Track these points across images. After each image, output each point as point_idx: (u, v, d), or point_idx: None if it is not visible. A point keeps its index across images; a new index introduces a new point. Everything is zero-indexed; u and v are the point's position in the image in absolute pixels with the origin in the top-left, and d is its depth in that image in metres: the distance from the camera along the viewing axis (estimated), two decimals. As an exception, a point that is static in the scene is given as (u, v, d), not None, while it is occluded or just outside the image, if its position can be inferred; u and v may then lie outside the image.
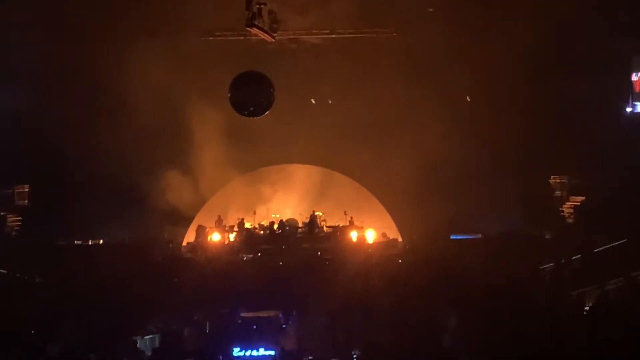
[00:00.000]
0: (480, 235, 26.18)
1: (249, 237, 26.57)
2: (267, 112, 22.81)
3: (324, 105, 28.49)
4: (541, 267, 20.98)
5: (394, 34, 26.81)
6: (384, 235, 27.18)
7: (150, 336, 16.83)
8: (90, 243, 26.63)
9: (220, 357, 14.60)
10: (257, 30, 21.77)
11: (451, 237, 25.96)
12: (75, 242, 26.43)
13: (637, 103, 25.67)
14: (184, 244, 27.74)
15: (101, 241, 26.89)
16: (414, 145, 25.82)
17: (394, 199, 28.19)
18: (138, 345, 15.72)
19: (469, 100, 27.29)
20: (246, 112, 22.59)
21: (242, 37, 25.53)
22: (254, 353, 15.28)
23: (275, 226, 27.10)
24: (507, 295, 16.11)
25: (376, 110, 26.98)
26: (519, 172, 26.31)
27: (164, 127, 26.12)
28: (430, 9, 25.72)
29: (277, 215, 28.06)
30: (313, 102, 28.45)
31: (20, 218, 26.07)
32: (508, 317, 14.27)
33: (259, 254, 24.86)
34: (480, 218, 26.53)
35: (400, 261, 23.49)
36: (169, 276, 20.35)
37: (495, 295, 16.14)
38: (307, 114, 28.11)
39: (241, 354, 15.26)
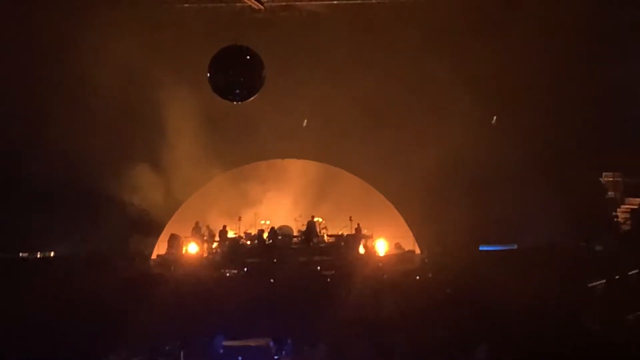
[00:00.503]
0: (515, 246, 25.94)
1: (233, 249, 26.43)
2: (255, 96, 22.65)
3: (325, 89, 28.32)
4: (590, 285, 20.81)
5: (409, -1, 26.77)
6: (397, 246, 26.98)
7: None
8: (36, 256, 26.18)
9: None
10: (243, -6, 21.69)
11: (480, 248, 25.82)
12: (18, 255, 25.97)
13: None
14: (153, 256, 27.46)
15: (52, 253, 26.59)
16: (434, 136, 25.73)
17: (410, 201, 28.04)
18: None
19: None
20: (230, 96, 22.28)
21: (224, 4, 25.43)
22: (239, 390, 15.30)
23: (265, 235, 26.96)
24: (549, 320, 16.09)
25: (388, 94, 26.78)
26: (562, 169, 26.12)
27: (130, 114, 25.95)
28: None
29: (268, 222, 27.93)
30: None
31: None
32: (552, 347, 14.22)
33: (245, 270, 24.63)
34: (515, 225, 26.27)
35: (417, 278, 23.46)
36: (134, 297, 20.20)
37: (535, 321, 16.12)
38: (304, 98, 27.67)
39: (223, 391, 15.30)
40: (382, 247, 27.04)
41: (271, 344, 17.85)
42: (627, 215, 26.15)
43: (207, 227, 27.63)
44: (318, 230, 27.37)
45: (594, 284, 20.86)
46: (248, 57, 21.72)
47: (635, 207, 25.85)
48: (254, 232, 27.31)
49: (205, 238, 27.33)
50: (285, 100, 26.99)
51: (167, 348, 17.67)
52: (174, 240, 26.90)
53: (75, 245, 25.89)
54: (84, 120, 24.64)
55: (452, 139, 24.95)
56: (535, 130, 25.00)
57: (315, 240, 27.05)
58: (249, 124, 27.06)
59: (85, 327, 17.55)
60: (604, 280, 20.82)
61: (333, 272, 23.85)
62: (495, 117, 27.39)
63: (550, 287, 19.40)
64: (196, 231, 27.44)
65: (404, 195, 28.27)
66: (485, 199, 25.96)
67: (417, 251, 27.76)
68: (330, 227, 27.69)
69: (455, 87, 25.32)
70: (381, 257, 26.55)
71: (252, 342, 17.45)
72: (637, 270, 20.96)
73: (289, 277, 22.78)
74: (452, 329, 17.38)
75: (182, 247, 26.94)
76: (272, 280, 22.88)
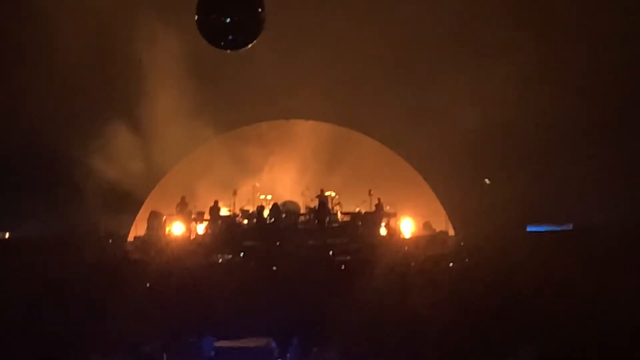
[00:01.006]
0: (571, 226, 25.86)
1: (227, 229, 26.43)
2: (253, 43, 22.45)
3: (340, 33, 27.99)
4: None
5: None
6: (427, 226, 27.05)
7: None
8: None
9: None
10: None
11: (528, 228, 25.83)
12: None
13: None
14: (130, 238, 27.47)
15: (6, 235, 26.66)
16: (473, 92, 25.37)
17: (443, 172, 28.05)
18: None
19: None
20: (223, 43, 22.11)
21: None
22: (234, 401, 15.35)
23: (266, 212, 26.94)
24: (611, 315, 16.02)
25: (415, 38, 26.38)
26: (629, 135, 25.77)
27: (104, 63, 25.50)
28: None
29: (269, 197, 27.99)
30: None
31: None
32: (615, 343, 14.21)
33: (242, 254, 24.66)
34: (570, 202, 26.17)
35: (451, 265, 23.46)
36: (106, 288, 20.21)
37: (594, 315, 16.06)
38: (314, 45, 27.35)
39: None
40: (408, 227, 27.06)
41: (273, 345, 17.88)
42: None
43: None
44: (330, 206, 27.30)
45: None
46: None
47: None
48: (252, 209, 27.33)
49: (192, 216, 27.31)
50: (291, 48, 26.59)
51: (146, 350, 17.68)
52: (155, 218, 26.84)
53: (35, 225, 25.68)
54: (47, 71, 24.35)
55: (495, 96, 24.54)
56: (599, 88, 24.72)
57: (326, 219, 26.93)
58: (246, 77, 26.65)
59: (47, 324, 17.54)
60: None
61: (348, 258, 23.83)
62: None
63: (611, 275, 19.48)
64: (182, 208, 27.38)
65: (434, 165, 28.24)
66: (535, 170, 25.88)
67: (451, 232, 27.75)
68: (345, 203, 27.64)
69: (501, 32, 25.00)
70: (407, 239, 26.54)
71: (250, 343, 17.49)
72: None
73: (295, 264, 22.92)
74: (494, 326, 17.35)
75: (164, 227, 26.94)
76: (274, 268, 22.98)
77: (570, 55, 25.12)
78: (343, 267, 23.05)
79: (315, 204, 27.20)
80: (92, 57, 24.91)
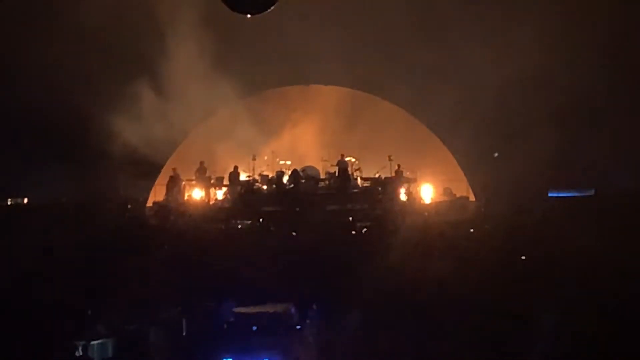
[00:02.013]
0: (592, 192, 25.66)
1: (246, 195, 26.41)
2: (273, 7, 22.30)
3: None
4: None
5: None
6: (447, 191, 26.94)
7: (100, 341, 16.90)
8: (8, 203, 26.22)
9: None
10: None
11: (549, 194, 25.66)
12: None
13: None
14: (149, 204, 27.63)
15: (25, 200, 26.47)
16: (494, 52, 25.13)
17: (463, 136, 27.50)
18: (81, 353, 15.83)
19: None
20: (241, 7, 22.09)
21: None
22: (254, 366, 15.36)
23: (286, 178, 26.94)
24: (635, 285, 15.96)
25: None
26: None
27: (122, 21, 25.03)
28: None
29: (288, 163, 28.13)
30: None
31: None
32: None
33: (261, 220, 24.68)
34: (594, 166, 25.95)
35: (472, 230, 23.30)
36: (125, 252, 20.18)
37: (615, 282, 15.99)
38: (335, 6, 27.24)
39: (234, 367, 15.36)
40: (428, 193, 27.16)
41: (292, 310, 17.84)
42: None
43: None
44: (350, 172, 27.35)
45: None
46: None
47: None
48: (271, 174, 27.38)
49: (212, 182, 27.35)
50: (312, 11, 26.33)
51: (164, 315, 17.68)
52: (174, 183, 26.94)
53: (54, 190, 25.68)
54: (63, 30, 24.33)
55: (517, 57, 24.46)
56: (621, 49, 24.48)
57: (347, 184, 26.96)
58: (266, 42, 26.76)
59: (66, 288, 17.53)
60: None
61: (368, 223, 23.82)
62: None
63: (636, 243, 19.32)
64: (201, 173, 27.42)
65: (454, 128, 27.78)
66: (558, 133, 25.15)
67: (472, 198, 27.77)
68: (365, 169, 27.71)
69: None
70: (427, 205, 26.55)
71: (269, 309, 17.45)
72: None
73: (315, 229, 22.85)
74: (515, 294, 17.25)
75: (183, 193, 27.06)
76: (294, 234, 22.99)
77: (594, 14, 24.84)
78: (363, 232, 23.08)
79: (335, 169, 27.16)
80: (112, 17, 24.81)
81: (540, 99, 25.77)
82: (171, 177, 27.15)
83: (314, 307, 18.23)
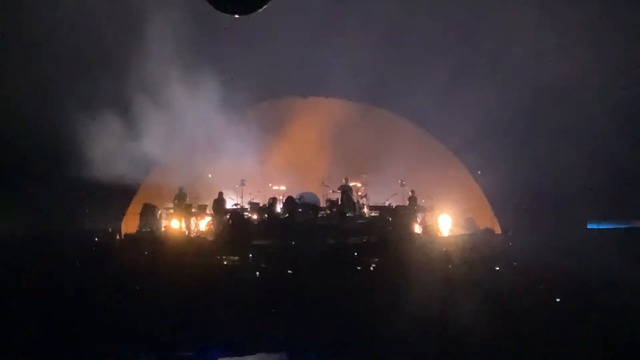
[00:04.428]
0: (639, 224, 25.43)
1: (233, 225, 26.20)
2: (265, 6, 22.25)
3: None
4: None
5: None
6: (469, 222, 26.98)
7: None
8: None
9: None
10: None
11: (589, 226, 25.55)
12: None
13: None
14: (120, 235, 27.15)
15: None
16: (528, 60, 25.17)
17: (486, 160, 27.80)
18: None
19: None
20: (228, 6, 22.09)
21: None
22: None
23: (279, 206, 26.96)
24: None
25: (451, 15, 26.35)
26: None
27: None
28: None
29: (282, 188, 28.06)
30: None
31: None
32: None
33: (250, 256, 24.27)
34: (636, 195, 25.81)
35: (498, 269, 22.99)
36: (91, 290, 19.83)
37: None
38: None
39: None
40: (447, 223, 26.90)
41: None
42: None
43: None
44: (355, 199, 27.18)
45: None
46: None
47: None
48: (262, 201, 27.31)
49: (193, 210, 27.28)
50: (310, 11, 26.16)
51: (132, 365, 17.63)
52: (149, 212, 26.96)
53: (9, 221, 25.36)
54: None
55: (540, 76, 25.10)
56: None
57: (351, 213, 26.71)
58: (258, 47, 26.56)
59: (22, 332, 17.42)
60: None
61: (376, 260, 23.33)
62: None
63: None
64: (180, 200, 27.51)
65: (476, 152, 28.06)
66: (599, 154, 25.51)
67: (497, 230, 27.39)
68: (373, 195, 27.63)
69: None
70: (445, 237, 26.21)
71: (259, 359, 17.15)
72: None
73: (313, 266, 22.34)
74: (550, 344, 17.04)
75: (160, 222, 27.04)
76: (289, 272, 22.46)
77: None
78: (371, 269, 22.77)
79: (337, 196, 26.94)
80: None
81: (578, 114, 25.60)
82: (145, 204, 27.15)
83: (312, 356, 18.19)
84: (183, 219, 27.15)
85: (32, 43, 24.85)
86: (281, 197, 27.50)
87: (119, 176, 26.38)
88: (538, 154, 26.39)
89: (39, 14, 24.00)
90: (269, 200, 27.10)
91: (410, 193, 26.92)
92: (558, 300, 20.02)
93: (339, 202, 27.12)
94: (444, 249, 24.48)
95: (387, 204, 27.21)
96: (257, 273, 22.87)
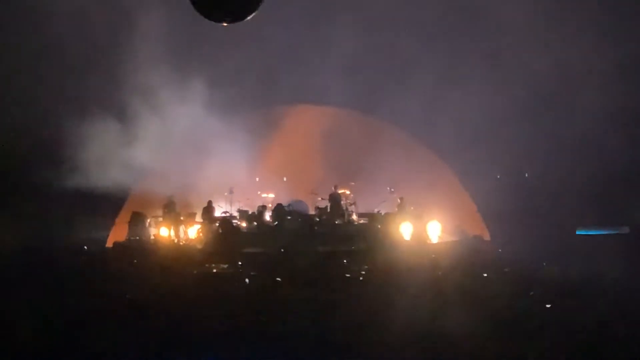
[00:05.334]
0: (627, 230, 25.69)
1: (222, 234, 26.23)
2: (255, 13, 22.27)
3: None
4: None
5: None
6: (459, 229, 27.05)
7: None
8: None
9: None
10: None
11: (577, 232, 25.61)
12: None
13: None
14: (109, 244, 27.37)
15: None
16: (518, 66, 25.25)
17: (475, 166, 27.80)
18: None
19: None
20: (218, 14, 22.08)
21: None
22: None
23: (268, 214, 26.81)
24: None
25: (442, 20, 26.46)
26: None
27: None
28: None
29: (271, 196, 28.05)
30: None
31: None
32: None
33: (239, 264, 24.36)
34: (625, 202, 25.76)
35: (486, 275, 23.00)
36: (79, 299, 19.77)
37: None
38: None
39: None
40: (435, 230, 26.79)
41: (280, 370, 17.67)
42: None
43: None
44: (344, 206, 27.09)
45: None
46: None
47: None
48: (251, 209, 27.21)
49: (182, 218, 27.22)
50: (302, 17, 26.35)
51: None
52: (138, 220, 26.91)
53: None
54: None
55: (528, 80, 25.14)
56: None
57: (339, 221, 26.72)
58: (249, 51, 26.57)
59: (10, 338, 17.35)
60: None
61: (366, 267, 23.42)
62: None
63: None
64: (169, 208, 27.35)
65: (466, 159, 28.08)
66: (588, 162, 25.41)
67: (487, 237, 27.48)
68: (362, 202, 27.52)
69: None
70: (434, 245, 26.24)
71: (252, 368, 17.21)
72: None
73: (303, 274, 22.28)
74: (540, 350, 17.01)
75: (149, 231, 26.98)
76: (278, 280, 22.44)
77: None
78: (361, 278, 22.68)
79: (326, 203, 26.93)
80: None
81: (568, 117, 25.65)
82: (134, 213, 27.04)
83: None
84: (172, 227, 26.93)
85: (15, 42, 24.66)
86: (270, 205, 27.21)
87: (107, 185, 26.24)
88: (527, 161, 26.37)
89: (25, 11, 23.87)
90: (258, 208, 26.95)
91: (399, 200, 26.71)
92: (548, 306, 19.98)
93: (328, 210, 26.95)
94: (433, 256, 24.55)
95: (376, 211, 27.01)
96: (247, 280, 22.74)
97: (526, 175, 27.94)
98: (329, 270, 23.09)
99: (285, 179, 28.65)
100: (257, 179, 28.37)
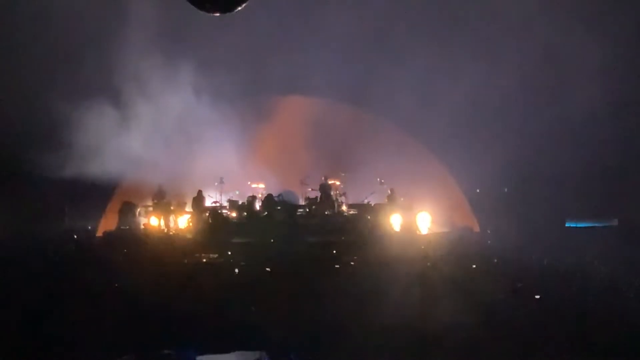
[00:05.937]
0: (616, 222, 25.77)
1: (212, 223, 26.19)
2: (244, 4, 22.22)
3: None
4: None
5: None
6: (449, 221, 26.90)
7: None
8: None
9: None
10: None
11: (567, 224, 25.63)
12: None
13: None
14: (99, 234, 27.33)
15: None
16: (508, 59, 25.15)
17: (466, 158, 27.75)
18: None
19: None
20: (209, 5, 22.05)
21: None
22: None
23: (258, 204, 26.71)
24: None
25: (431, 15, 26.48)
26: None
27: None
28: None
29: (261, 186, 27.79)
30: None
31: None
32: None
33: (229, 253, 24.27)
34: (614, 195, 26.18)
35: (474, 267, 23.08)
36: (70, 288, 19.96)
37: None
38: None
39: None
40: (425, 221, 26.60)
41: (267, 359, 17.69)
42: None
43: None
44: (334, 197, 26.98)
45: None
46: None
47: None
48: (241, 200, 27.10)
49: (172, 208, 27.10)
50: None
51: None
52: (128, 209, 26.78)
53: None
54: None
55: (523, 72, 24.97)
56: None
57: (329, 211, 26.66)
58: (240, 46, 26.66)
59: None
60: None
61: (355, 257, 23.32)
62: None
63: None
64: (159, 197, 27.24)
65: (456, 151, 28.09)
66: (580, 154, 25.57)
67: (476, 229, 27.52)
68: (352, 193, 27.41)
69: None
70: (424, 236, 26.09)
71: (238, 358, 17.21)
72: None
73: (292, 264, 22.36)
74: (528, 342, 17.12)
75: (139, 220, 26.90)
76: (267, 270, 22.45)
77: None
78: (349, 267, 22.67)
79: (316, 194, 26.94)
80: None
81: (560, 112, 25.71)
82: (124, 202, 26.94)
83: (291, 356, 18.08)
84: (162, 217, 26.75)
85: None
86: (260, 195, 27.01)
87: (97, 174, 26.23)
88: (517, 153, 26.34)
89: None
90: (248, 198, 26.73)
91: (389, 191, 26.57)
92: (537, 297, 20.04)
93: (318, 201, 26.88)
94: (423, 247, 24.54)
95: (366, 202, 26.86)
96: (236, 270, 22.78)
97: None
98: (319, 261, 23.02)
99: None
100: (247, 170, 28.09)
